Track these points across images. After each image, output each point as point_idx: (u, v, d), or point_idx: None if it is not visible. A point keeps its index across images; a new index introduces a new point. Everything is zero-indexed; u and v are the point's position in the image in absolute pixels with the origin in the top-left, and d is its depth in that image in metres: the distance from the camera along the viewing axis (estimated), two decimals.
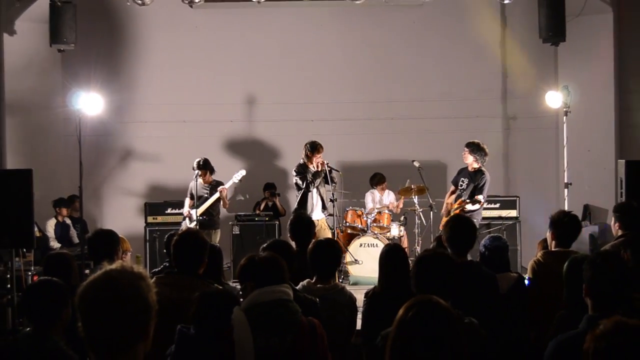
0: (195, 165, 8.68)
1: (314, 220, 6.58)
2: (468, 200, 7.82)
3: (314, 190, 8.47)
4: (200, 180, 8.69)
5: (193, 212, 8.54)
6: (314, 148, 8.44)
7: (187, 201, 8.79)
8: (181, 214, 9.05)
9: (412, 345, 2.12)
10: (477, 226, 7.75)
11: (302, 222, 5.51)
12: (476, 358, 2.86)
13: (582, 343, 2.23)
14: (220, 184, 8.71)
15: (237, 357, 3.07)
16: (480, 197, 7.84)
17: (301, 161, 8.56)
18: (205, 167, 8.71)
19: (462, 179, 8.07)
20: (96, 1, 10.20)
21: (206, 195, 8.67)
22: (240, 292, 3.55)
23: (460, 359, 2.14)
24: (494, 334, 3.89)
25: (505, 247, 4.87)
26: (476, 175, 7.95)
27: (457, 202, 8.01)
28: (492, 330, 3.88)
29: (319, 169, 8.42)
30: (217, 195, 8.58)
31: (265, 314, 3.16)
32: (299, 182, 8.47)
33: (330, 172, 8.54)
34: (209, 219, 8.69)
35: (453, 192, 8.19)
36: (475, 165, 7.97)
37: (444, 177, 10.54)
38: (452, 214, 7.84)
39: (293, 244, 5.37)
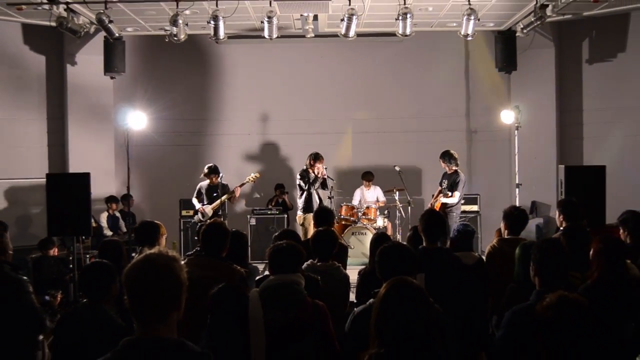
0: (206, 170, 8.39)
1: (333, 212, 6.58)
2: (448, 192, 7.86)
3: (314, 192, 8.48)
4: (207, 181, 8.40)
5: (205, 207, 8.29)
6: (316, 158, 8.47)
7: (195, 200, 8.48)
8: None
9: (392, 313, 2.12)
10: (457, 218, 7.81)
11: (325, 212, 5.55)
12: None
13: (533, 312, 2.22)
14: (225, 185, 8.45)
15: (251, 329, 3.06)
16: (456, 193, 7.85)
17: (304, 167, 8.56)
18: (215, 171, 8.40)
19: (443, 180, 8.13)
20: (141, 38, 10.20)
21: (215, 195, 8.34)
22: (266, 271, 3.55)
23: (430, 325, 2.12)
24: (460, 300, 3.88)
25: (472, 232, 4.90)
26: (452, 176, 8.00)
27: (437, 192, 8.11)
28: (458, 297, 3.87)
29: (318, 175, 8.42)
30: (225, 197, 8.30)
31: (274, 294, 3.14)
32: (302, 184, 8.48)
33: (326, 178, 8.56)
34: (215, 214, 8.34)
35: (440, 192, 8.20)
36: (453, 168, 8.01)
37: (419, 179, 10.57)
38: (435, 204, 8.03)
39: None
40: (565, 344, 2.04)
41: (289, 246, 3.40)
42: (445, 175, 8.15)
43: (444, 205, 7.90)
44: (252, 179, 8.65)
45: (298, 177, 8.60)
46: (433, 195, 8.46)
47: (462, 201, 8.33)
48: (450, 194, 7.84)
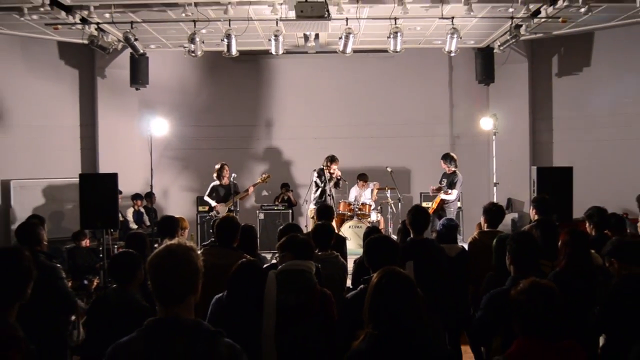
0: (218, 166, 8.41)
1: (333, 208, 6.56)
2: (448, 190, 7.82)
3: (327, 190, 8.46)
4: (218, 182, 8.39)
5: (220, 205, 8.31)
6: (332, 160, 8.43)
7: (208, 198, 8.44)
8: None
9: (383, 300, 2.13)
10: (455, 213, 7.83)
11: (326, 209, 5.52)
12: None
13: (508, 296, 2.23)
14: (235, 185, 8.38)
15: (265, 306, 3.07)
16: (454, 191, 7.84)
17: (321, 167, 8.52)
18: (226, 166, 8.41)
19: (442, 179, 8.09)
20: (162, 54, 10.20)
21: (230, 193, 8.32)
22: (277, 258, 3.55)
23: (416, 309, 2.13)
24: (445, 284, 3.87)
25: (456, 226, 4.88)
26: (451, 176, 7.97)
27: (437, 188, 8.04)
28: (443, 281, 3.87)
29: (333, 175, 8.42)
30: (238, 196, 8.34)
31: (288, 278, 3.16)
32: (318, 181, 8.45)
33: (340, 179, 8.53)
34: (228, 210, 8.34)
35: (439, 189, 8.13)
36: (452, 169, 7.97)
37: (408, 178, 10.56)
38: (434, 199, 8.04)
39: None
40: (537, 324, 2.05)
41: (305, 238, 3.47)
42: (444, 174, 8.12)
43: (442, 201, 7.90)
44: (263, 179, 8.68)
45: (315, 174, 8.49)
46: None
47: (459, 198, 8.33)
48: (449, 191, 7.83)
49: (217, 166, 8.48)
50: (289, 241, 3.41)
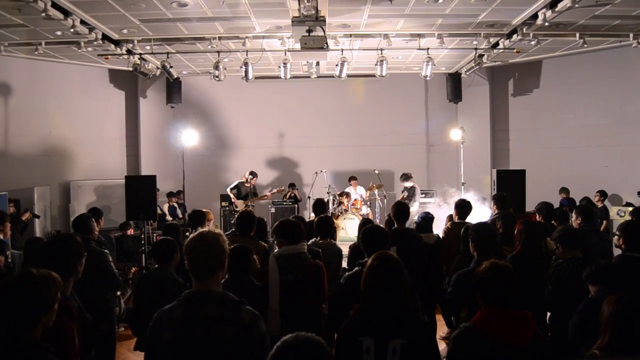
0: (249, 172, 8.63)
1: (326, 203, 6.58)
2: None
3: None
4: (243, 181, 8.57)
5: (239, 201, 8.44)
6: (253, 174, 8.77)
7: (229, 191, 8.59)
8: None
9: (377, 278, 2.12)
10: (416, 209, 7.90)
11: (320, 204, 5.46)
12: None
13: (472, 274, 2.24)
14: (255, 187, 8.57)
15: (269, 286, 3.08)
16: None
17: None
18: (255, 174, 8.66)
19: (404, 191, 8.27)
20: (193, 79, 10.22)
21: (254, 194, 8.54)
22: (275, 243, 3.54)
23: (403, 287, 2.13)
24: (420, 266, 3.88)
25: (432, 218, 4.82)
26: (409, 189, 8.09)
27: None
28: (418, 263, 3.87)
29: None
30: (256, 198, 8.56)
31: (287, 260, 3.15)
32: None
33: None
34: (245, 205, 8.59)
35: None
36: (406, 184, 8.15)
37: (392, 179, 10.54)
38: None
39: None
40: (495, 296, 2.06)
41: (294, 223, 3.38)
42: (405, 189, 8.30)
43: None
44: (278, 190, 8.90)
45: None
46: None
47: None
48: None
49: (249, 171, 8.70)
50: (282, 228, 3.33)
